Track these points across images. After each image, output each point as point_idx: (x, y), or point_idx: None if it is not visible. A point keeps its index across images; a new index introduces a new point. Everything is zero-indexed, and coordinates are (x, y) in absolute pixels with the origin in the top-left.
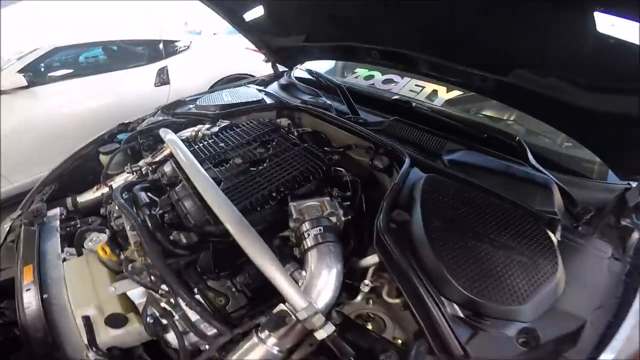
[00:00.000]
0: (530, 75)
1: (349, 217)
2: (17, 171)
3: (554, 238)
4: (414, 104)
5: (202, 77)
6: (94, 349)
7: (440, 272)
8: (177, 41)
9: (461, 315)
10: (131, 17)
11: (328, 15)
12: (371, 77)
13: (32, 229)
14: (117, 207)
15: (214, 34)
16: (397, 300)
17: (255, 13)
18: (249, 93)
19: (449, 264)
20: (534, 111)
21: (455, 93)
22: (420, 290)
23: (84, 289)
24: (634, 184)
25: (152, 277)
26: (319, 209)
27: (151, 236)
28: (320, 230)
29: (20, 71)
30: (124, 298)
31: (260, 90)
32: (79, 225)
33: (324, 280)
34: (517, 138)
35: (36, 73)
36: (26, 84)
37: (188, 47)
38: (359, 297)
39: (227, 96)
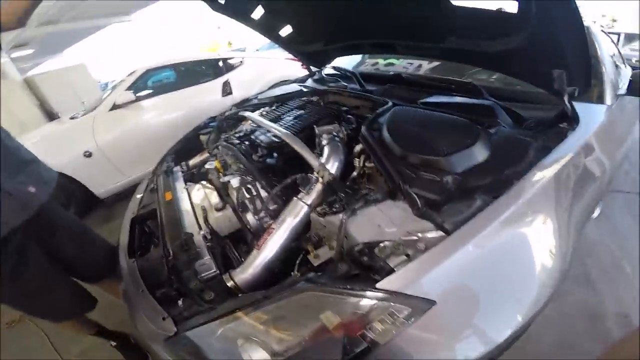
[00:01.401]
0: (455, 39)
1: (350, 132)
2: (132, 167)
3: (481, 129)
4: (403, 75)
5: (257, 85)
6: (207, 226)
7: (391, 144)
8: (231, 58)
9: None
10: (186, 40)
11: (339, 22)
12: (376, 63)
13: (166, 176)
14: (220, 149)
15: (257, 49)
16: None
17: (287, 30)
18: (292, 87)
19: (396, 139)
20: (468, 62)
21: (435, 64)
22: (381, 154)
23: (200, 196)
24: None
25: (244, 175)
26: (333, 129)
27: (244, 154)
28: (332, 135)
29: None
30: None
31: (300, 85)
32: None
33: (333, 159)
34: (471, 82)
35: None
36: (134, 98)
37: (242, 62)
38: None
39: (278, 91)
